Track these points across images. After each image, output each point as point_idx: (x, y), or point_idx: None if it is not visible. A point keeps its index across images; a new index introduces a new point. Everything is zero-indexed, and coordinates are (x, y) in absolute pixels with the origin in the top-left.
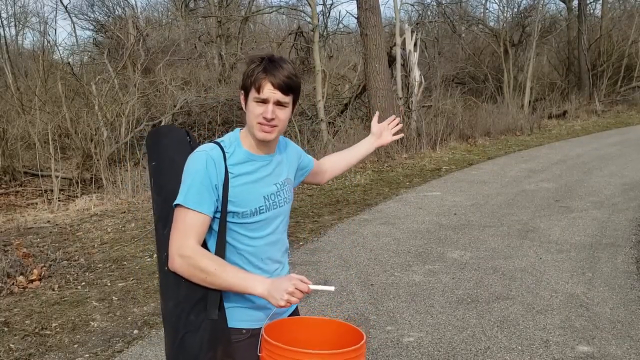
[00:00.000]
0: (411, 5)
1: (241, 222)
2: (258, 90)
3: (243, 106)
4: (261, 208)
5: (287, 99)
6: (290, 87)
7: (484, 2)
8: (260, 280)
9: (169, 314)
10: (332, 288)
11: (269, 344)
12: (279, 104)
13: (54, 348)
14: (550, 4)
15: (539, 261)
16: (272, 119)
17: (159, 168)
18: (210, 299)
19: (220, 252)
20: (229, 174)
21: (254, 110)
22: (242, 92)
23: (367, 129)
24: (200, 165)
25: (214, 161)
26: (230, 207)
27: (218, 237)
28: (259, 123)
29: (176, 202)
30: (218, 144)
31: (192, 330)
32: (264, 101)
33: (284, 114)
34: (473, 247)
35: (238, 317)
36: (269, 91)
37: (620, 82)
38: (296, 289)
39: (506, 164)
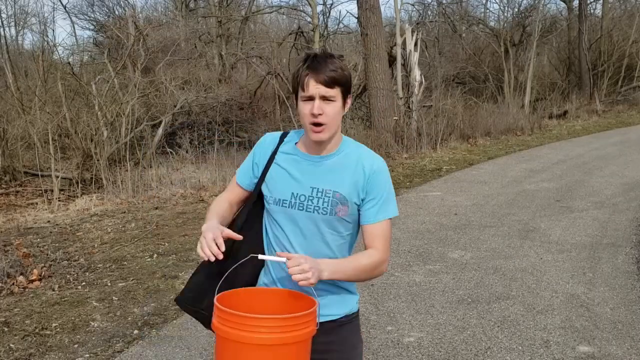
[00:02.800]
0: (412, 5)
1: (268, 205)
2: (303, 88)
3: (296, 108)
4: (284, 202)
5: (332, 92)
6: (334, 80)
7: (484, 2)
8: (210, 223)
9: None
10: (283, 259)
11: (220, 310)
12: (324, 98)
13: (54, 348)
14: (551, 3)
15: (540, 261)
16: (320, 114)
17: None
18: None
19: (250, 218)
20: (274, 159)
21: (303, 109)
22: (294, 95)
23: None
24: (255, 145)
25: (264, 143)
26: (263, 187)
27: (253, 206)
28: (311, 123)
29: None
30: (285, 133)
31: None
32: (310, 98)
33: (331, 109)
34: (473, 247)
35: None
36: (313, 87)
37: (620, 82)
38: (205, 240)
39: (507, 164)
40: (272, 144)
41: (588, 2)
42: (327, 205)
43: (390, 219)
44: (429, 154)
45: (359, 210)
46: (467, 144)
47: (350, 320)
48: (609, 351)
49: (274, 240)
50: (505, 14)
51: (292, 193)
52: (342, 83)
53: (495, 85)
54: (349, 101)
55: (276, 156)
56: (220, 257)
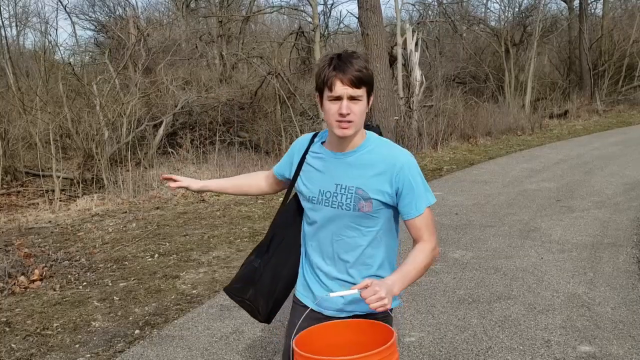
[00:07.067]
0: (412, 5)
1: (302, 202)
2: (330, 89)
3: (319, 107)
4: (313, 198)
5: (360, 92)
6: (361, 81)
7: (485, 1)
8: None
9: None
10: (355, 292)
11: (300, 356)
12: (352, 98)
13: (56, 348)
14: (551, 3)
15: (540, 261)
16: (348, 114)
17: None
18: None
19: (290, 217)
20: (306, 158)
21: (330, 109)
22: (317, 93)
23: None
24: (291, 146)
25: (299, 144)
26: (296, 185)
27: (297, 207)
28: (337, 121)
29: None
30: (315, 133)
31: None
32: (338, 98)
33: (358, 108)
34: (474, 246)
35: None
36: (341, 88)
37: (621, 81)
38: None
39: (507, 164)
40: (304, 144)
41: (589, 1)
42: (350, 202)
43: (429, 206)
44: (429, 154)
45: (391, 206)
46: (467, 143)
47: (366, 315)
48: (610, 351)
49: (307, 236)
50: (506, 14)
51: (320, 190)
52: (368, 82)
53: (496, 85)
54: (372, 98)
55: (307, 156)
56: (165, 180)
